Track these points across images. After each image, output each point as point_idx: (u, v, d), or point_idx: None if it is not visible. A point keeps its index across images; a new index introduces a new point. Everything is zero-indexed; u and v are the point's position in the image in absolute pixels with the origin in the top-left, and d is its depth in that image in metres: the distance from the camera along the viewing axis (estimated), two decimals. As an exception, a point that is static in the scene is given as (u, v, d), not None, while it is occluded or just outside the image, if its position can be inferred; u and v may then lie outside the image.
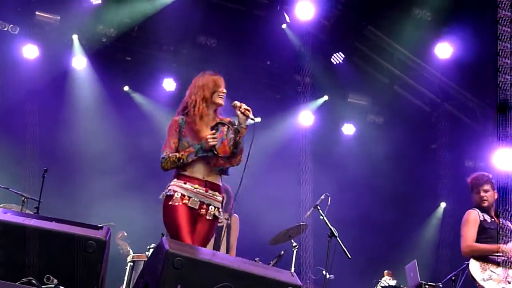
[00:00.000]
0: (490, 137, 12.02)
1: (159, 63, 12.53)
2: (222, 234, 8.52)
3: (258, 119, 5.63)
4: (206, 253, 4.28)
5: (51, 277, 3.46)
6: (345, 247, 7.80)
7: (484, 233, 7.07)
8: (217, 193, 5.55)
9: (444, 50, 11.49)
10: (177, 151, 5.53)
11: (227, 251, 8.46)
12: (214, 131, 5.59)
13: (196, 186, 5.42)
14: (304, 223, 8.84)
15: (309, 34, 11.72)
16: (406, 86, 13.06)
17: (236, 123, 5.83)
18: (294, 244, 8.93)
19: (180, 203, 5.35)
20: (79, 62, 12.13)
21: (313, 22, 11.67)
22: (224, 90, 6.00)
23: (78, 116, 12.23)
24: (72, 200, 11.55)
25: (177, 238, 5.15)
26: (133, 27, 12.00)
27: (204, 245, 5.47)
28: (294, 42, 12.05)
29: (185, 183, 5.42)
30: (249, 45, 12.18)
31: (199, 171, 5.49)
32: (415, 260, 9.13)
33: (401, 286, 9.20)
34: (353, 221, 12.18)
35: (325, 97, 13.34)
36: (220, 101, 5.93)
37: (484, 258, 6.98)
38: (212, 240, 8.41)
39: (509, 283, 6.73)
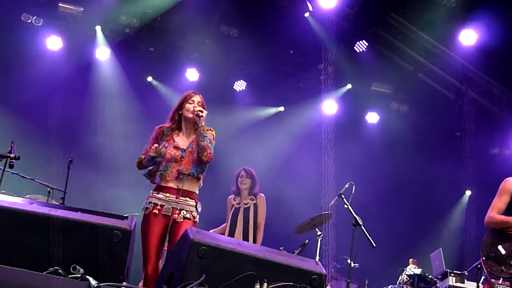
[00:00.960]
0: (515, 124, 11.91)
1: (182, 53, 12.56)
2: (250, 215, 8.57)
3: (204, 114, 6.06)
4: (231, 242, 4.29)
5: (77, 267, 3.48)
6: (369, 236, 7.77)
7: None
8: (188, 198, 5.92)
9: (469, 36, 11.38)
10: None
11: (255, 231, 8.49)
12: (156, 145, 5.97)
13: (168, 194, 5.88)
14: (328, 212, 8.82)
15: (332, 22, 11.67)
16: (430, 74, 12.97)
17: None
18: (319, 233, 8.92)
19: (152, 213, 5.86)
20: (103, 53, 12.20)
21: (336, 10, 11.62)
22: (195, 106, 6.14)
23: (102, 107, 12.29)
24: (97, 190, 11.62)
25: (144, 247, 5.81)
26: (156, 17, 12.03)
27: None
28: (317, 30, 12.00)
29: (158, 193, 5.93)
30: (271, 34, 12.15)
31: (173, 181, 5.92)
32: (440, 248, 9.10)
33: (427, 274, 9.17)
34: (377, 209, 12.14)
35: (349, 86, 13.30)
36: (187, 114, 6.13)
37: (502, 232, 6.54)
38: (241, 222, 8.52)
39: (511, 266, 6.29)
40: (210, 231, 8.44)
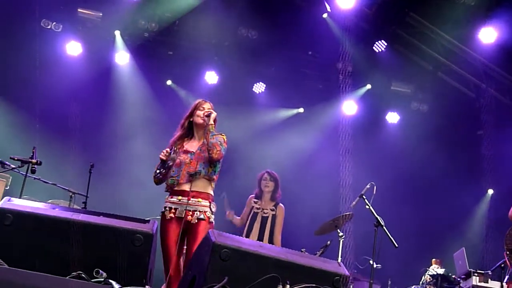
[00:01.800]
0: (537, 122, 11.82)
1: (201, 56, 12.58)
2: (267, 224, 8.57)
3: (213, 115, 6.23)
4: (253, 244, 4.29)
5: (100, 271, 3.50)
6: (391, 236, 7.74)
7: None
8: (200, 199, 5.98)
9: (489, 34, 11.30)
10: None
11: (271, 241, 8.49)
12: (168, 149, 6.21)
13: (180, 197, 5.97)
14: (350, 212, 8.80)
15: (351, 23, 11.65)
16: (450, 72, 12.90)
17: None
18: (341, 234, 8.90)
19: (168, 217, 5.95)
20: (122, 57, 12.25)
21: (355, 10, 11.59)
22: (201, 111, 6.32)
23: (122, 111, 12.36)
24: (119, 195, 11.67)
25: (164, 251, 5.85)
26: (174, 21, 12.06)
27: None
28: (335, 31, 11.97)
29: (172, 197, 6.05)
30: (290, 36, 12.14)
31: (185, 184, 6.00)
32: (463, 248, 9.04)
33: (450, 274, 9.12)
34: (399, 209, 12.09)
35: (368, 86, 13.26)
36: (198, 120, 6.29)
37: None
38: (257, 229, 8.51)
39: None
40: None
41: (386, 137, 13.51)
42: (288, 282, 3.85)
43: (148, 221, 4.30)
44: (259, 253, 4.09)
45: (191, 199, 5.92)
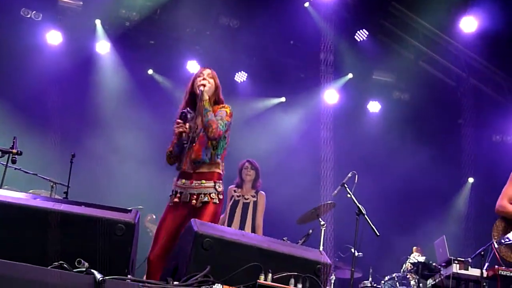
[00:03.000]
0: (517, 111, 11.91)
1: (183, 45, 12.54)
2: (248, 211, 8.57)
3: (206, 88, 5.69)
4: (235, 233, 4.29)
5: (82, 261, 3.49)
6: (373, 225, 7.78)
7: None
8: (203, 181, 5.63)
9: (469, 24, 11.36)
10: None
11: (253, 228, 8.49)
12: (178, 120, 5.68)
13: (183, 180, 5.64)
14: (331, 201, 8.83)
15: (332, 12, 11.66)
16: (432, 62, 12.95)
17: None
18: (322, 222, 8.93)
19: (173, 203, 5.62)
20: (103, 46, 12.20)
21: (336, -1, 11.62)
22: (205, 77, 5.79)
23: (103, 100, 12.31)
24: (100, 184, 11.64)
25: (157, 232, 5.57)
26: (156, 10, 12.01)
27: None
28: (317, 20, 11.98)
29: (178, 180, 5.71)
30: (272, 25, 12.12)
31: (188, 165, 5.65)
32: (444, 236, 9.10)
33: (430, 262, 9.17)
34: (380, 198, 12.16)
35: (350, 75, 13.29)
36: (197, 91, 5.75)
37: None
38: (239, 217, 8.48)
39: None
40: None
41: (367, 126, 13.57)
42: (270, 270, 3.86)
43: (130, 210, 4.28)
44: (241, 242, 4.09)
45: (194, 182, 5.60)
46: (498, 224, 6.70)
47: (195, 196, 5.58)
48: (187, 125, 5.65)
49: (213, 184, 5.65)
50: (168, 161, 5.83)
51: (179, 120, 5.63)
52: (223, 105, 5.80)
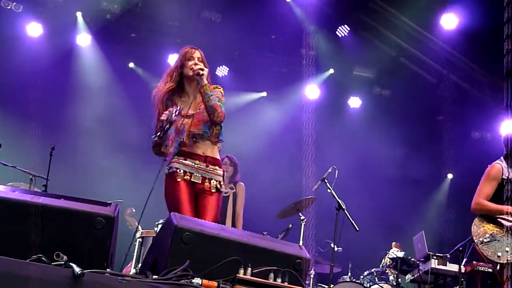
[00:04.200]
0: (496, 108, 11.99)
1: (164, 39, 12.50)
2: (228, 204, 8.57)
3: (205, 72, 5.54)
4: (215, 227, 4.29)
5: (61, 254, 3.47)
6: (352, 220, 7.82)
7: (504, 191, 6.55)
8: (217, 167, 5.52)
9: (450, 20, 11.44)
10: None
11: (233, 221, 8.50)
12: (170, 109, 5.40)
13: (197, 162, 5.43)
14: (311, 196, 8.86)
15: (314, 7, 11.66)
16: (412, 58, 13.02)
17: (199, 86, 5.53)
18: (302, 217, 8.96)
19: (182, 180, 5.39)
20: (84, 39, 12.14)
21: (318, -6, 11.62)
22: (196, 63, 5.67)
23: (84, 93, 12.25)
24: (80, 177, 11.59)
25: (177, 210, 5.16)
26: (137, 2, 11.97)
27: (214, 218, 5.51)
28: (299, 15, 11.99)
29: (185, 160, 5.44)
30: (254, 19, 12.11)
31: (197, 146, 5.47)
32: (423, 231, 9.16)
33: (409, 257, 9.24)
34: (360, 193, 12.20)
35: (331, 70, 13.33)
36: (189, 73, 5.62)
37: (491, 219, 6.56)
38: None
39: (507, 252, 6.30)
40: None
41: (348, 122, 13.61)
42: (249, 265, 3.86)
43: (109, 204, 4.26)
44: (220, 236, 4.09)
45: (210, 166, 5.45)
46: (477, 222, 6.64)
47: (207, 181, 5.44)
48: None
49: (222, 173, 5.58)
50: (154, 151, 5.56)
51: (170, 109, 5.37)
52: (215, 85, 5.66)
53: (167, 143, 5.41)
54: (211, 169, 5.48)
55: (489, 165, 6.77)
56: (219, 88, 5.62)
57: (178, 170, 5.40)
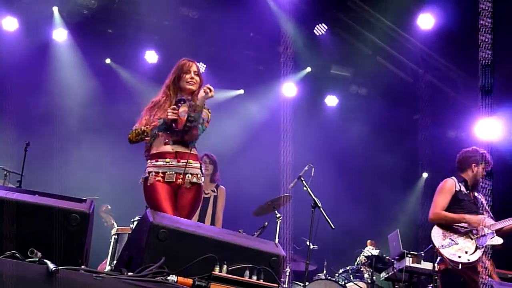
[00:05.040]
0: (472, 108, 12.08)
1: (141, 35, 12.45)
2: (208, 206, 8.57)
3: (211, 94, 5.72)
4: (191, 224, 4.29)
5: (35, 251, 3.45)
6: (328, 218, 7.85)
7: (458, 203, 7.31)
8: (191, 160, 5.58)
9: (427, 20, 11.50)
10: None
11: (212, 223, 8.50)
12: (174, 106, 5.63)
13: (167, 160, 5.53)
14: (288, 194, 8.87)
15: (292, 5, 11.67)
16: (389, 57, 13.07)
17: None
18: (278, 215, 8.98)
19: (155, 181, 5.49)
20: (60, 34, 12.04)
21: (296, -8, 11.64)
22: (193, 76, 5.91)
23: (60, 89, 12.15)
24: (55, 174, 11.50)
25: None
26: (115, -2, 11.89)
27: (192, 213, 5.63)
28: (277, 13, 11.99)
29: (156, 161, 5.56)
30: (231, 16, 12.08)
31: (166, 145, 5.58)
32: (398, 230, 9.21)
33: (384, 255, 9.29)
34: (336, 191, 12.25)
35: (308, 69, 13.35)
36: (187, 86, 5.86)
37: (448, 227, 7.26)
38: (198, 211, 8.47)
39: (466, 252, 6.99)
40: None
41: (325, 120, 13.65)
42: (225, 262, 3.87)
43: (85, 200, 4.24)
44: (197, 233, 4.09)
45: (181, 161, 5.52)
46: (435, 231, 7.36)
47: (181, 176, 5.51)
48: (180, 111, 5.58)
49: (199, 165, 5.66)
50: (134, 138, 5.71)
51: (175, 107, 5.58)
52: (208, 108, 5.87)
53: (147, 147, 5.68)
54: (183, 164, 5.53)
55: (443, 181, 7.53)
56: (209, 113, 5.88)
57: (150, 174, 5.52)
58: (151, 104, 5.82)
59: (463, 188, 7.38)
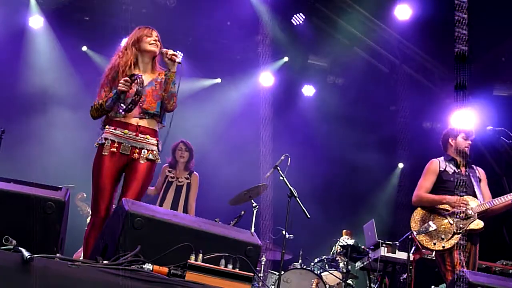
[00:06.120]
0: (447, 99, 12.18)
1: (118, 23, 12.34)
2: (181, 193, 8.56)
3: (179, 59, 5.57)
4: (167, 213, 4.29)
5: (10, 238, 3.43)
6: (304, 207, 7.88)
7: (442, 183, 7.11)
8: (148, 136, 5.51)
9: (404, 11, 11.55)
10: None
11: (185, 210, 8.51)
12: (127, 78, 5.42)
13: (126, 131, 5.45)
14: (264, 183, 8.90)
15: (270, -6, 11.68)
16: (366, 48, 13.10)
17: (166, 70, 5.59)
18: (254, 204, 9.01)
19: (109, 152, 5.42)
20: (36, 21, 11.93)
21: (273, -19, 11.63)
22: (155, 39, 5.74)
23: (36, 76, 12.05)
24: (31, 162, 11.43)
25: (97, 188, 5.42)
26: (91, -15, 11.81)
27: (143, 189, 5.53)
28: (254, 2, 11.97)
29: (115, 129, 5.46)
30: (209, 5, 12.05)
31: (132, 116, 5.48)
32: (373, 219, 9.28)
33: (359, 245, 9.34)
34: (312, 181, 12.29)
35: (286, 58, 13.36)
36: (150, 47, 5.68)
37: (431, 209, 7.08)
38: (171, 198, 8.46)
39: (442, 239, 6.82)
40: None
41: (302, 110, 13.67)
42: (201, 251, 3.87)
43: (60, 188, 4.23)
44: (172, 222, 4.09)
45: (139, 135, 5.45)
46: (415, 214, 7.22)
47: (137, 150, 5.46)
48: (132, 88, 5.43)
49: (156, 142, 5.58)
50: (95, 114, 5.63)
51: (128, 79, 5.42)
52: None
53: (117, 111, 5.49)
54: (141, 138, 5.49)
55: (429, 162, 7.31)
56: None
57: (106, 142, 5.44)
58: (107, 72, 5.67)
59: (449, 168, 7.16)
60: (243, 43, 13.03)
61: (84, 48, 12.72)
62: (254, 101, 12.67)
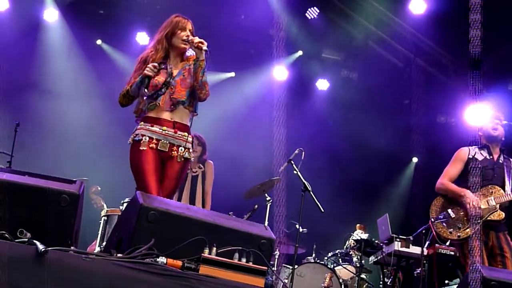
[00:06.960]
0: (462, 93, 12.10)
1: (133, 16, 12.38)
2: (197, 183, 8.56)
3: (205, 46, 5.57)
4: (180, 206, 4.29)
5: (25, 231, 3.45)
6: (318, 201, 7.87)
7: (470, 171, 6.95)
8: (186, 134, 5.43)
9: (418, 5, 11.48)
10: None
11: (203, 198, 8.49)
12: (156, 64, 5.37)
13: (164, 128, 5.33)
14: (278, 177, 8.89)
15: (284, -12, 11.65)
16: (380, 42, 13.05)
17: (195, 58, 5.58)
18: (268, 198, 9.00)
19: (148, 148, 5.28)
20: (51, 14, 11.96)
21: (288, -24, 11.59)
22: (189, 35, 5.68)
23: (50, 70, 12.10)
24: (45, 155, 11.48)
25: (143, 185, 5.18)
26: (106, -21, 11.83)
27: (176, 186, 5.50)
28: (269, -4, 11.96)
29: (152, 126, 5.34)
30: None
31: (165, 111, 5.38)
32: (387, 214, 9.25)
33: (373, 239, 9.32)
34: (326, 175, 12.28)
35: (300, 52, 13.33)
36: (181, 45, 5.61)
37: (450, 198, 7.06)
38: (188, 190, 8.45)
39: (459, 228, 6.81)
40: None
41: (315, 104, 13.64)
42: (215, 244, 3.88)
43: (75, 181, 4.24)
44: (186, 215, 4.09)
45: (178, 132, 5.36)
46: (436, 201, 7.15)
47: (175, 148, 5.36)
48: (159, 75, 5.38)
49: (191, 140, 5.51)
50: (122, 100, 5.52)
51: (156, 65, 5.37)
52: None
53: (137, 108, 5.46)
54: (180, 136, 5.40)
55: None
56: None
57: (143, 138, 5.31)
58: (139, 61, 5.61)
59: (480, 155, 7.03)
60: (257, 37, 13.01)
61: (99, 42, 12.74)
62: (268, 95, 12.65)
